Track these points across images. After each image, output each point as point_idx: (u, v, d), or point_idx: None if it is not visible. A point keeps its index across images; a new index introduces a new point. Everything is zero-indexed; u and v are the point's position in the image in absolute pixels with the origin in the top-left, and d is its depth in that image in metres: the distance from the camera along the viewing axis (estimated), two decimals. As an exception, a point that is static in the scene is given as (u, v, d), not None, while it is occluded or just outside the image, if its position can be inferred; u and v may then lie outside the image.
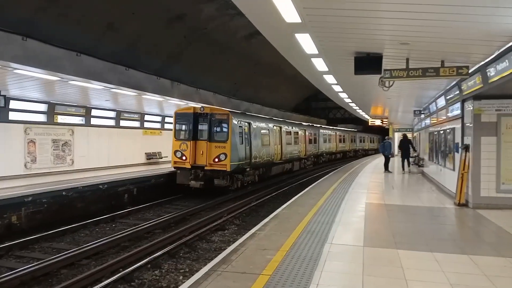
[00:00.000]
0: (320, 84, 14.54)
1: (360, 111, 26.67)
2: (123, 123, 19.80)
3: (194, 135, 16.18)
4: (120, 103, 18.00)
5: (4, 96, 13.10)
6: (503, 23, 5.66)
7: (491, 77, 7.61)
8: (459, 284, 4.91)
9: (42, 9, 12.77)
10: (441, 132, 13.90)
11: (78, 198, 12.61)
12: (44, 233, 10.19)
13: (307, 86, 27.43)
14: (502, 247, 6.63)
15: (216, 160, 15.72)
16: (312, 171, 28.87)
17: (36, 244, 9.57)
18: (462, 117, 10.74)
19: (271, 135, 20.63)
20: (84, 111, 17.11)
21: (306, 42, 7.37)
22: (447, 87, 11.63)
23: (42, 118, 15.20)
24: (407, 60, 8.19)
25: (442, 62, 8.01)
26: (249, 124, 17.82)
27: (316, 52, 8.10)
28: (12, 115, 13.93)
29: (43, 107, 15.19)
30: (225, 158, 15.65)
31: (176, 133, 16.56)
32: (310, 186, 14.77)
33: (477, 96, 9.59)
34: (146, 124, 21.86)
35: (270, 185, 20.23)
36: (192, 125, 16.21)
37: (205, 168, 15.77)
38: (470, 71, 7.99)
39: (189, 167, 15.88)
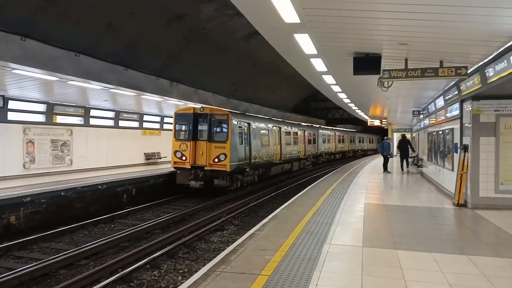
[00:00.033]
0: (319, 85, 14.54)
1: (359, 111, 26.69)
2: (122, 123, 19.78)
3: (194, 136, 16.23)
4: (119, 103, 17.98)
5: (3, 96, 13.10)
6: (501, 23, 5.67)
7: (490, 78, 7.62)
8: (458, 284, 4.91)
9: (42, 9, 12.76)
10: (440, 132, 13.92)
11: (77, 199, 12.60)
12: (43, 233, 10.18)
13: (306, 86, 27.43)
14: (501, 247, 6.64)
15: (216, 160, 15.77)
16: (311, 171, 28.89)
17: (35, 244, 9.56)
18: (461, 117, 10.76)
19: (271, 136, 20.67)
20: (83, 111, 17.08)
21: (305, 42, 7.37)
22: (446, 88, 11.64)
23: (41, 118, 15.17)
24: (406, 60, 8.19)
25: (441, 62, 8.02)
26: (249, 124, 17.85)
27: (315, 52, 8.11)
28: (10, 115, 13.91)
29: (42, 107, 15.17)
30: (225, 158, 15.69)
31: (176, 133, 16.61)
32: (309, 187, 14.78)
33: (476, 97, 9.61)
34: (145, 125, 21.85)
35: (269, 185, 20.25)
36: (192, 126, 16.27)
37: (205, 168, 15.81)
38: (468, 72, 8.00)
39: (189, 167, 15.93)
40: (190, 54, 20.86)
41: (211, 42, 21.18)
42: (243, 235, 7.56)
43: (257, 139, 18.69)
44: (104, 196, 13.66)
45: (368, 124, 32.87)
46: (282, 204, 10.77)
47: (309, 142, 29.52)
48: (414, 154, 22.71)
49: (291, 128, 25.20)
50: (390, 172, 19.75)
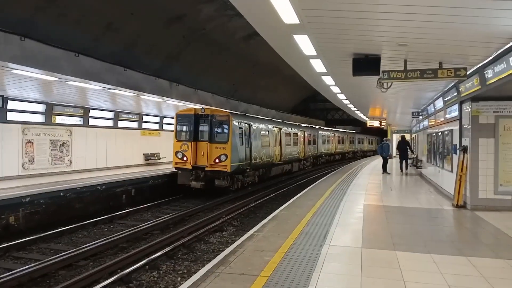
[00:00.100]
0: (318, 85, 14.55)
1: (358, 112, 26.71)
2: (121, 123, 19.77)
3: (195, 136, 16.32)
4: (118, 104, 17.97)
5: (2, 96, 13.08)
6: (500, 24, 5.68)
7: (489, 79, 7.63)
8: (457, 285, 4.91)
9: (41, 9, 12.76)
10: (439, 133, 13.92)
11: (76, 199, 12.59)
12: (42, 234, 10.16)
13: (305, 87, 27.44)
14: (500, 248, 6.64)
15: (217, 161, 15.85)
16: (311, 172, 28.90)
17: (34, 245, 9.54)
18: (460, 118, 10.77)
19: (271, 136, 20.73)
20: (82, 111, 17.07)
21: (304, 43, 7.38)
22: (445, 89, 11.65)
23: (40, 118, 15.16)
24: (405, 61, 8.20)
25: (440, 63, 8.03)
26: (249, 125, 17.92)
27: (314, 53, 8.11)
28: (10, 116, 13.89)
29: (41, 108, 15.16)
30: (226, 159, 15.76)
31: (177, 134, 16.69)
32: (309, 188, 14.78)
33: (475, 98, 9.61)
34: (145, 125, 21.84)
35: (269, 186, 20.26)
36: (193, 126, 16.37)
37: (206, 168, 15.89)
38: (468, 73, 8.01)
39: (190, 167, 16.03)
40: (189, 54, 20.87)
41: (210, 43, 21.20)
42: (242, 236, 7.55)
43: (257, 140, 18.75)
44: (103, 197, 13.65)
45: (368, 125, 32.89)
46: (282, 205, 10.77)
47: (309, 143, 29.56)
48: (413, 156, 22.72)
49: (291, 129, 25.26)
50: (389, 173, 19.76)
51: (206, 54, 22.07)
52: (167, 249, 8.86)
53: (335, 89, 14.41)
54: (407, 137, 25.09)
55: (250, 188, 18.73)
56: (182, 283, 5.15)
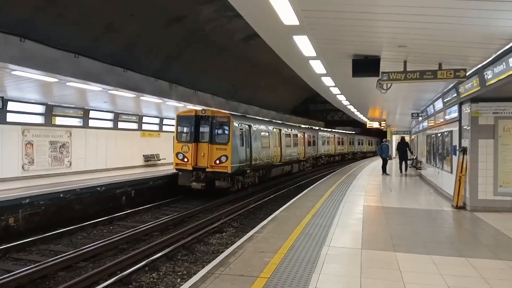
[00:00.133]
0: (318, 86, 14.56)
1: (358, 113, 26.72)
2: (121, 125, 19.77)
3: (195, 138, 16.39)
4: (118, 105, 17.97)
5: (2, 97, 13.07)
6: (499, 26, 5.69)
7: (489, 80, 7.64)
8: (457, 286, 4.91)
9: (41, 9, 12.76)
10: (439, 134, 13.93)
11: (75, 200, 12.58)
12: (41, 235, 10.15)
13: (305, 88, 27.46)
14: (500, 249, 6.64)
15: (217, 162, 15.92)
16: (310, 173, 28.92)
17: (34, 246, 9.53)
18: (459, 119, 10.77)
19: (271, 138, 20.79)
20: (82, 113, 17.07)
21: (304, 44, 7.38)
22: (445, 90, 11.66)
23: (39, 119, 15.15)
24: (405, 62, 8.21)
25: (440, 64, 8.03)
26: (249, 126, 17.99)
27: (314, 54, 8.12)
28: (9, 117, 13.88)
29: (41, 109, 15.15)
30: (226, 160, 15.83)
31: (178, 135, 16.77)
32: (308, 189, 14.78)
33: (475, 99, 9.62)
34: (144, 126, 21.83)
35: (269, 187, 20.27)
36: (193, 128, 16.45)
37: (207, 170, 15.96)
38: (467, 74, 8.01)
39: (191, 168, 16.09)
40: (189, 55, 20.90)
41: (210, 44, 21.22)
42: (242, 237, 7.56)
43: (257, 141, 18.82)
44: (103, 198, 13.64)
45: (367, 126, 32.91)
46: (281, 206, 10.76)
47: (309, 144, 29.60)
48: (413, 157, 22.73)
49: (291, 130, 25.31)
50: (389, 174, 19.77)
51: (206, 55, 22.10)
52: (166, 250, 8.85)
53: (335, 90, 14.42)
54: (407, 138, 25.09)
55: (250, 189, 18.76)
56: (182, 285, 5.15)
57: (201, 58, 21.87)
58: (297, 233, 7.44)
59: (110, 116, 19.08)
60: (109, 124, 19.06)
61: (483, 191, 9.87)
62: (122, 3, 14.83)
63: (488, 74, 7.56)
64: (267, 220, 8.76)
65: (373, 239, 7.20)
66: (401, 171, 20.42)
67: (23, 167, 13.94)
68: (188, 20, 18.43)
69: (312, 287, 4.82)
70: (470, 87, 8.88)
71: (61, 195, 12.06)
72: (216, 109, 18.60)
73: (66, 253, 8.54)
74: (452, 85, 10.41)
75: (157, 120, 23.12)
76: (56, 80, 11.65)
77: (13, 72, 10.36)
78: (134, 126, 21.06)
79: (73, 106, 16.44)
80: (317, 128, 36.09)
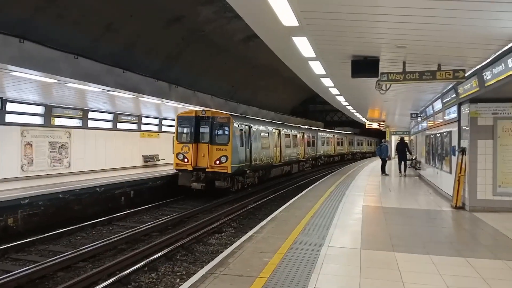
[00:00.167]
0: (317, 87, 14.58)
1: (357, 114, 26.75)
2: (120, 125, 19.74)
3: (195, 138, 16.47)
4: (117, 106, 17.96)
5: (1, 98, 13.05)
6: (498, 26, 5.70)
7: (488, 81, 7.66)
8: (456, 286, 4.92)
9: (40, 9, 12.76)
10: (438, 135, 13.95)
11: (75, 201, 12.58)
12: (40, 235, 10.14)
13: (304, 89, 27.46)
14: (499, 249, 6.65)
15: (217, 162, 15.99)
16: (310, 173, 28.93)
17: (33, 246, 9.53)
18: (458, 120, 10.79)
19: (271, 138, 20.86)
20: (81, 113, 17.05)
21: (303, 45, 7.40)
22: (444, 91, 11.68)
23: (39, 120, 15.13)
24: (404, 63, 8.22)
25: (439, 65, 8.05)
26: (249, 127, 18.05)
27: (313, 55, 8.13)
28: (8, 118, 13.85)
29: (40, 110, 15.13)
30: (226, 161, 15.90)
31: (178, 136, 16.85)
32: (308, 189, 14.79)
33: (474, 100, 9.64)
34: (144, 127, 21.80)
35: (268, 187, 20.28)
36: (194, 128, 16.55)
37: (207, 170, 16.02)
38: (466, 75, 8.03)
39: (191, 169, 16.16)
40: (189, 55, 20.90)
41: (210, 44, 21.23)
42: (241, 237, 7.55)
43: (257, 142, 18.89)
44: (102, 199, 13.64)
45: (366, 127, 32.92)
46: (281, 207, 10.77)
47: (308, 144, 29.63)
48: (412, 157, 22.76)
49: (291, 131, 25.36)
50: (388, 175, 19.79)
51: (205, 56, 22.11)
52: (166, 250, 8.85)
53: (334, 91, 14.44)
54: (406, 138, 25.11)
55: (250, 189, 18.81)
56: (181, 285, 5.15)
57: (200, 58, 21.88)
58: (297, 233, 7.45)
59: (109, 116, 19.05)
60: (108, 125, 19.03)
61: (482, 191, 9.89)
62: (121, 4, 14.84)
63: (487, 74, 7.58)
64: (266, 220, 8.77)
65: (372, 239, 7.21)
66: (400, 172, 20.43)
67: (22, 168, 13.91)
68: (188, 21, 18.44)
69: (311, 287, 4.83)
70: (469, 87, 8.90)
71: (60, 195, 12.06)
72: (216, 110, 18.64)
73: (65, 254, 8.54)
74: (451, 85, 10.43)
75: (156, 121, 23.10)
76: (55, 81, 11.64)
77: (12, 73, 10.35)
78: (134, 126, 21.03)
79: (72, 107, 16.42)
80: (316, 128, 36.11)
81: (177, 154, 16.49)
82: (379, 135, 44.80)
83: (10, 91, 12.82)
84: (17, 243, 9.37)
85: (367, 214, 9.60)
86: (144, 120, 21.69)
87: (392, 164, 25.18)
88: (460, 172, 10.08)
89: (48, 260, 8.12)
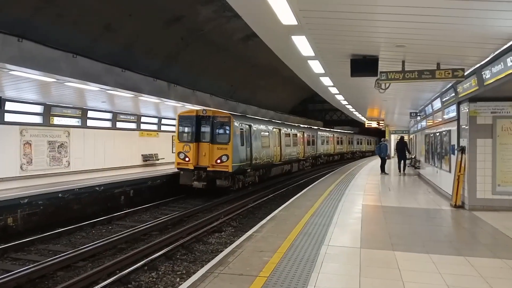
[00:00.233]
0: (316, 86, 14.58)
1: (356, 113, 26.75)
2: (119, 124, 19.73)
3: (197, 137, 16.59)
4: (116, 105, 17.95)
5: (0, 97, 13.04)
6: (497, 26, 5.71)
7: (487, 80, 7.66)
8: (456, 285, 4.92)
9: (39, 9, 12.74)
10: (437, 134, 13.96)
11: (74, 200, 12.58)
12: (40, 235, 10.14)
13: (303, 88, 27.46)
14: (498, 248, 6.66)
15: (218, 161, 16.10)
16: (310, 172, 28.96)
17: (32, 246, 9.53)
18: (458, 119, 10.80)
19: (271, 137, 20.94)
20: (80, 112, 17.04)
21: (302, 44, 7.39)
22: (443, 90, 11.69)
23: (38, 119, 15.11)
24: (403, 62, 8.22)
25: (438, 64, 8.05)
26: (250, 126, 18.14)
27: (312, 54, 8.13)
28: (7, 117, 13.83)
29: (39, 109, 15.11)
30: (227, 160, 16.01)
31: (180, 135, 16.96)
32: (307, 188, 14.79)
33: (473, 98, 9.65)
34: (143, 126, 21.78)
35: (268, 186, 20.31)
36: (195, 128, 16.68)
37: (208, 169, 16.15)
38: (465, 74, 8.03)
39: (192, 168, 16.27)
40: (188, 55, 20.88)
41: (209, 44, 21.22)
42: (241, 236, 7.56)
43: (258, 141, 18.98)
44: (101, 198, 13.64)
45: (366, 126, 32.92)
46: (280, 206, 10.77)
47: (308, 143, 29.69)
48: (411, 156, 22.79)
49: (291, 130, 25.43)
50: (387, 174, 19.80)
51: (205, 55, 22.09)
52: (166, 249, 8.86)
53: (333, 90, 14.44)
54: (405, 137, 25.12)
55: (251, 188, 18.89)
56: (181, 284, 5.15)
57: (200, 58, 21.87)
58: (296, 232, 7.45)
59: (108, 116, 19.03)
60: (108, 124, 19.02)
61: (482, 190, 9.89)
62: (121, 3, 14.82)
63: (486, 73, 7.58)
64: (266, 219, 8.77)
65: (372, 238, 7.22)
66: (399, 171, 20.45)
67: (21, 167, 13.90)
68: (187, 20, 18.42)
69: (311, 286, 4.83)
70: (468, 86, 8.90)
71: (60, 195, 12.06)
72: (216, 109, 18.70)
73: (65, 253, 8.54)
74: (450, 84, 10.43)
75: (155, 120, 23.09)
76: (54, 80, 11.63)
77: (11, 72, 10.34)
78: (133, 126, 21.02)
79: (71, 106, 16.41)
80: (316, 127, 36.14)
81: (178, 153, 16.62)
82: (379, 134, 44.84)
83: (9, 90, 12.80)
84: (16, 243, 9.37)
85: (366, 213, 9.61)
86: (143, 119, 21.67)
87: (392, 163, 25.19)
88: (460, 171, 10.09)
89: (48, 259, 8.12)
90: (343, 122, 51.02)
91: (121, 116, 19.79)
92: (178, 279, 7.45)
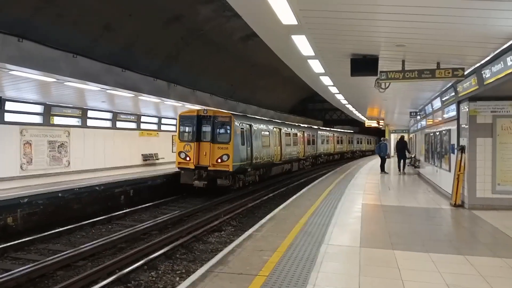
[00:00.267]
0: (316, 86, 14.58)
1: (356, 112, 26.74)
2: (119, 124, 19.73)
3: (197, 137, 16.66)
4: (116, 105, 17.95)
5: (0, 97, 13.05)
6: (497, 25, 5.71)
7: (487, 79, 7.66)
8: (455, 284, 4.93)
9: (39, 9, 12.73)
10: (437, 133, 13.97)
11: (74, 200, 12.58)
12: (40, 234, 10.14)
13: (303, 88, 27.46)
14: (498, 247, 6.67)
15: (219, 160, 16.18)
16: (310, 171, 28.96)
17: (32, 245, 9.53)
18: (457, 118, 10.80)
19: (271, 137, 21.01)
20: (80, 112, 17.05)
21: (302, 44, 7.39)
22: (443, 89, 11.69)
23: (38, 119, 15.12)
24: (403, 62, 8.22)
25: (438, 64, 8.06)
26: (250, 126, 18.20)
27: (312, 53, 8.13)
28: (7, 117, 13.84)
29: (39, 109, 15.11)
30: (228, 159, 16.09)
31: (180, 134, 17.02)
32: (307, 187, 14.80)
33: (473, 98, 9.65)
34: (143, 126, 21.79)
35: (268, 186, 20.32)
36: (195, 127, 16.73)
37: (208, 168, 16.22)
38: (465, 73, 8.04)
39: (193, 167, 16.34)
40: (188, 55, 20.87)
41: (209, 43, 21.21)
42: (240, 235, 7.57)
43: (258, 140, 19.05)
44: (101, 197, 13.64)
45: (366, 125, 32.93)
46: (280, 205, 10.78)
47: (308, 143, 29.72)
48: (411, 155, 22.80)
49: (291, 130, 25.49)
50: (387, 173, 19.81)
51: (204, 55, 22.07)
52: (165, 249, 8.86)
53: (333, 90, 14.44)
54: (405, 137, 25.12)
55: (251, 187, 18.92)
56: (181, 283, 5.15)
57: (200, 57, 21.85)
58: (296, 231, 7.46)
59: (108, 115, 19.04)
60: (108, 124, 19.03)
61: (481, 189, 9.91)
62: (120, 3, 14.81)
63: (486, 73, 7.59)
64: (266, 218, 8.78)
65: (372, 237, 7.23)
66: (399, 170, 20.45)
67: (21, 167, 13.91)
68: (187, 20, 18.41)
69: (311, 285, 4.84)
70: (468, 86, 8.91)
71: (60, 194, 12.06)
72: (217, 109, 18.74)
73: (65, 252, 8.54)
74: (450, 84, 10.44)
75: (155, 120, 23.10)
76: (54, 80, 11.63)
77: (11, 72, 10.34)
78: (133, 125, 21.03)
79: (71, 105, 16.42)
80: (316, 127, 36.17)
81: (179, 153, 16.68)
82: (379, 133, 44.86)
83: (9, 90, 12.81)
84: (16, 242, 9.36)
85: (366, 212, 9.61)
86: (143, 119, 21.69)
87: (391, 163, 25.20)
88: (459, 170, 10.10)
89: (48, 259, 8.12)
90: (343, 121, 51.00)
91: (121, 116, 19.81)
92: (177, 278, 7.45)
